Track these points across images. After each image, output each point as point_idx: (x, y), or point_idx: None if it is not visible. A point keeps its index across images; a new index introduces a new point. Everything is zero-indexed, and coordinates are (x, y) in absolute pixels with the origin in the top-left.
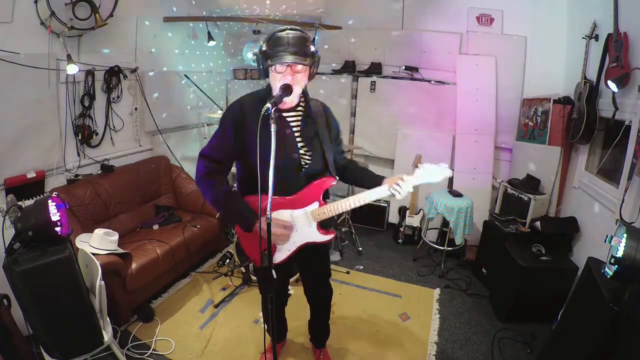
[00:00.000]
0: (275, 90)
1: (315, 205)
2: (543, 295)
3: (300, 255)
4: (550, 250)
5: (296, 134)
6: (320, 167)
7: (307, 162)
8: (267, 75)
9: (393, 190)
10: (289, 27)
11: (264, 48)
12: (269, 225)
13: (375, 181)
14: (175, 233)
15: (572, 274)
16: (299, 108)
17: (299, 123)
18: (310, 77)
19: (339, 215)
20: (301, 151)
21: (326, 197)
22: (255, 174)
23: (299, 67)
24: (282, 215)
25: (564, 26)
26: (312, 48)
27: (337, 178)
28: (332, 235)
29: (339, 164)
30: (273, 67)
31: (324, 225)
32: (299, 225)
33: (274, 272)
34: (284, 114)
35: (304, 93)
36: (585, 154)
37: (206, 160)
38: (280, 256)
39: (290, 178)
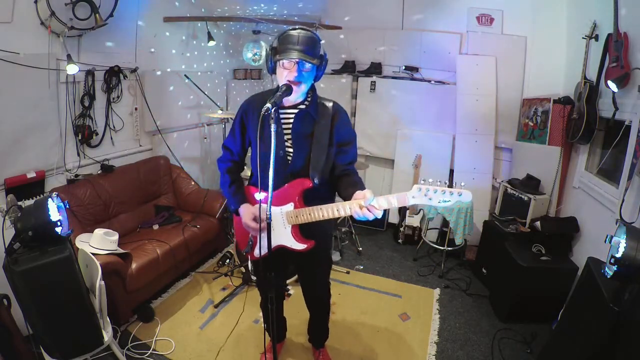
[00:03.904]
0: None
1: (290, 206)
2: (543, 295)
3: (298, 257)
4: (550, 250)
5: (286, 131)
6: (301, 167)
7: (290, 160)
8: (274, 72)
9: (354, 212)
10: (301, 27)
11: (274, 45)
12: (269, 225)
13: (349, 194)
14: (175, 233)
15: (572, 274)
16: (301, 106)
17: (293, 120)
18: (316, 78)
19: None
20: (288, 149)
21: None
22: (256, 166)
23: (307, 65)
24: (262, 208)
25: (564, 26)
26: (321, 50)
27: (316, 182)
28: (306, 246)
29: (335, 172)
30: (280, 63)
31: (304, 232)
32: (275, 223)
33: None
34: (282, 111)
35: (312, 92)
36: (585, 154)
37: (223, 148)
38: (259, 252)
39: (273, 173)
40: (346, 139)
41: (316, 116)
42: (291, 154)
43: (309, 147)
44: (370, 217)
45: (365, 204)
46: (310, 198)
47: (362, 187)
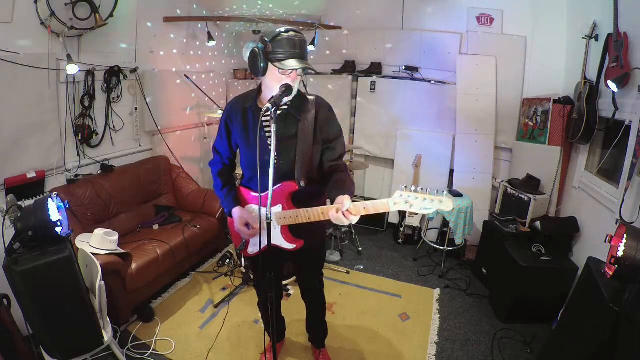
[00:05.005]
0: (271, 89)
1: (279, 208)
2: (543, 295)
3: (291, 256)
4: (550, 250)
5: (268, 134)
6: (288, 170)
7: (276, 163)
8: (263, 74)
9: (331, 217)
10: (290, 28)
11: (269, 49)
12: (268, 225)
13: (334, 197)
14: (175, 233)
15: (572, 274)
16: (283, 107)
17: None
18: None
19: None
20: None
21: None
22: (246, 166)
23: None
24: (251, 209)
25: (564, 26)
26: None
27: (302, 186)
28: (295, 245)
29: (324, 169)
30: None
31: (294, 232)
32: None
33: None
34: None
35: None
36: (585, 154)
37: (213, 150)
38: (253, 249)
39: (262, 176)
40: (332, 136)
41: (299, 115)
42: (276, 157)
43: (294, 149)
44: (346, 222)
45: (342, 210)
46: (300, 197)
47: (348, 187)
